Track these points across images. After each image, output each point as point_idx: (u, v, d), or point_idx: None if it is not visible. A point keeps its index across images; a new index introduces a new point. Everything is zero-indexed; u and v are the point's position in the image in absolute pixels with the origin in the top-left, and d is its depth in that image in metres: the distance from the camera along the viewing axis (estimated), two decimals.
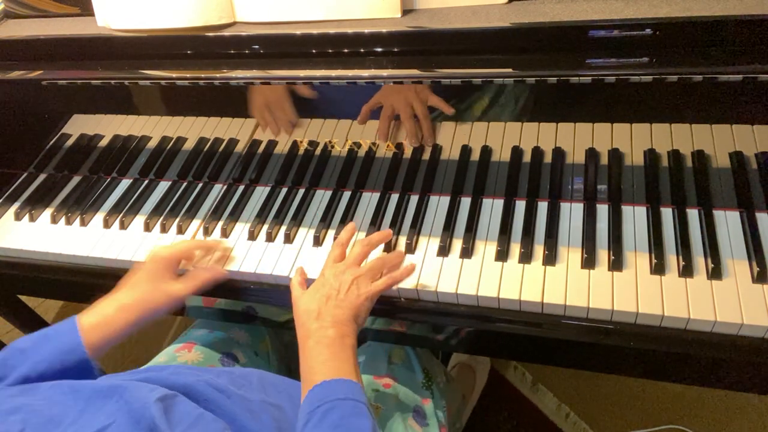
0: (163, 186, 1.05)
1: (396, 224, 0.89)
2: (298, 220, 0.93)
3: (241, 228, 0.95)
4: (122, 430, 0.57)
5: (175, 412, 0.61)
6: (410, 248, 0.85)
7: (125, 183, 1.07)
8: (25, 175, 1.12)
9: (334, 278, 0.77)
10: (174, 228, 0.97)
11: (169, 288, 0.82)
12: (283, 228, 0.93)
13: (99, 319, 0.77)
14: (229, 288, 0.88)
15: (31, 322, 1.36)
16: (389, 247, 0.87)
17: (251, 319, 1.03)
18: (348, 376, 0.68)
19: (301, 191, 0.98)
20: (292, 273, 0.86)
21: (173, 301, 0.82)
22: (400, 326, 0.94)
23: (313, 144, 0.94)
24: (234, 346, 0.99)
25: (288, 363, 1.08)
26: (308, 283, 0.82)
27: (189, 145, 1.01)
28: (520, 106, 0.83)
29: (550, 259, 0.80)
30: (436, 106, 0.85)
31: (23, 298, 1.35)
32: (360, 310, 0.75)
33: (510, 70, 0.73)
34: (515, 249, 0.82)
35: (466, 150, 0.89)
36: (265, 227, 0.93)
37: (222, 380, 0.71)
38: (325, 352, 0.70)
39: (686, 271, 0.75)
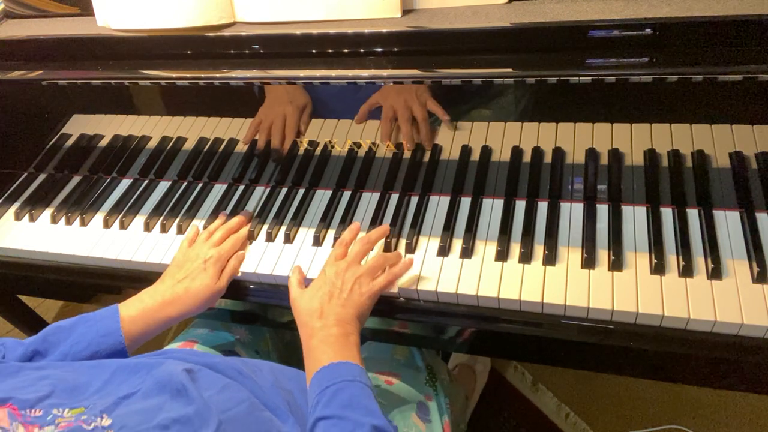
0: (163, 186, 1.05)
1: (396, 224, 0.89)
2: (298, 220, 0.93)
3: None
4: (148, 394, 0.59)
5: (201, 381, 0.63)
6: (410, 248, 0.85)
7: (125, 183, 1.07)
8: (25, 175, 1.12)
9: (336, 276, 0.77)
10: (174, 228, 0.97)
11: (219, 284, 0.84)
12: (283, 228, 0.93)
13: (140, 311, 0.79)
14: (229, 287, 0.87)
15: (31, 322, 1.36)
16: (389, 248, 0.87)
17: (251, 318, 1.03)
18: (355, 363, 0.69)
19: (301, 191, 0.98)
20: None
21: (218, 297, 0.84)
22: (400, 326, 0.94)
23: (313, 144, 0.94)
24: (235, 344, 1.00)
25: (288, 362, 1.07)
26: (306, 282, 0.82)
27: (189, 145, 1.01)
28: (520, 106, 0.83)
29: (550, 259, 0.80)
30: (433, 112, 0.85)
31: (23, 298, 1.35)
32: (363, 308, 0.76)
33: (510, 70, 0.73)
34: (515, 249, 0.82)
35: (466, 150, 0.89)
36: (265, 227, 0.93)
37: (237, 365, 0.72)
38: (329, 350, 0.70)
39: (686, 271, 0.75)
